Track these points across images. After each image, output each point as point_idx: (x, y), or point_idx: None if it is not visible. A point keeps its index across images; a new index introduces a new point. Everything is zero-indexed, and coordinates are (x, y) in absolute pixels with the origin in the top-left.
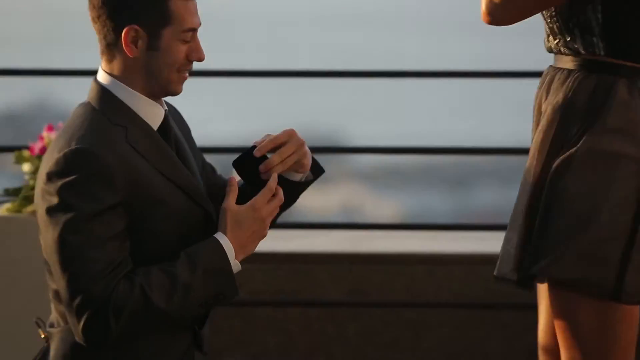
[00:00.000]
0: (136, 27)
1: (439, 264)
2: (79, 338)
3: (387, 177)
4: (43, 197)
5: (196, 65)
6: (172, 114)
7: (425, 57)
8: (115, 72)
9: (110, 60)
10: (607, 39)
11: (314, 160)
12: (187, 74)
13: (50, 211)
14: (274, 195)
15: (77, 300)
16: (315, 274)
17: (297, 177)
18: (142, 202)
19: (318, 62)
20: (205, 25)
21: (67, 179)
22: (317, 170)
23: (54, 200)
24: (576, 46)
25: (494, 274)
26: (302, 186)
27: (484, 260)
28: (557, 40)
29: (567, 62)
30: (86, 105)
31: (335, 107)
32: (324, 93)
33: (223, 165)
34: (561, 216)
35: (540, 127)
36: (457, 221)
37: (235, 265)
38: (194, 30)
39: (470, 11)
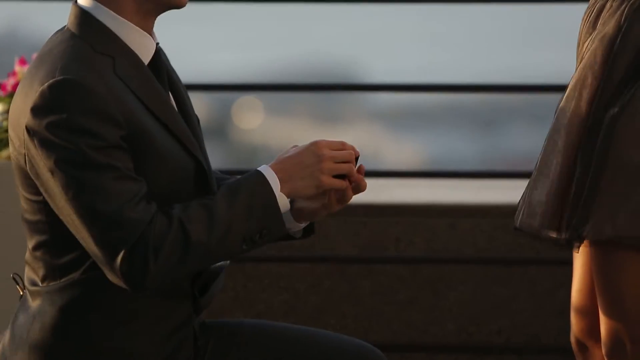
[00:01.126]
0: None
1: (462, 216)
2: (117, 280)
3: (406, 118)
4: (32, 137)
5: None
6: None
7: None
8: None
9: None
10: None
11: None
12: None
13: (47, 152)
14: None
15: (110, 239)
16: (325, 227)
17: (294, 225)
18: (137, 142)
19: None
20: None
21: (58, 116)
22: (308, 229)
23: (47, 138)
24: None
25: (516, 225)
26: (286, 238)
27: (513, 212)
28: None
29: None
30: (64, 32)
31: (348, 36)
32: (334, 19)
33: (222, 104)
34: (615, 169)
35: (584, 62)
36: (484, 168)
37: (282, 199)
38: None
39: None
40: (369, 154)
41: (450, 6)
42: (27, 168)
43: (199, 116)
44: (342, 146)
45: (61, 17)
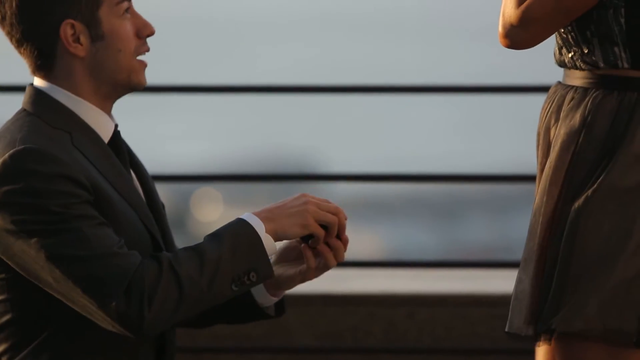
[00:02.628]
0: (70, 21)
1: (421, 305)
2: (114, 325)
3: (366, 208)
4: None
5: (155, 81)
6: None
7: (411, 69)
8: (57, 81)
9: (48, 75)
10: (633, 47)
11: (282, 300)
12: (146, 61)
13: (17, 218)
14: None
15: (101, 284)
16: (284, 317)
17: (267, 300)
18: (101, 209)
19: (285, 76)
20: (164, 36)
21: (24, 183)
22: (280, 308)
23: (15, 205)
24: (594, 59)
25: (506, 330)
26: (259, 314)
27: (471, 302)
28: (572, 53)
29: (581, 78)
30: (19, 112)
31: (307, 126)
32: (294, 110)
33: (181, 196)
34: (581, 262)
35: (551, 158)
36: (443, 257)
37: (267, 240)
38: None
39: (466, 17)
40: None
41: (407, 97)
42: None
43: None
44: (328, 202)
45: (11, 109)
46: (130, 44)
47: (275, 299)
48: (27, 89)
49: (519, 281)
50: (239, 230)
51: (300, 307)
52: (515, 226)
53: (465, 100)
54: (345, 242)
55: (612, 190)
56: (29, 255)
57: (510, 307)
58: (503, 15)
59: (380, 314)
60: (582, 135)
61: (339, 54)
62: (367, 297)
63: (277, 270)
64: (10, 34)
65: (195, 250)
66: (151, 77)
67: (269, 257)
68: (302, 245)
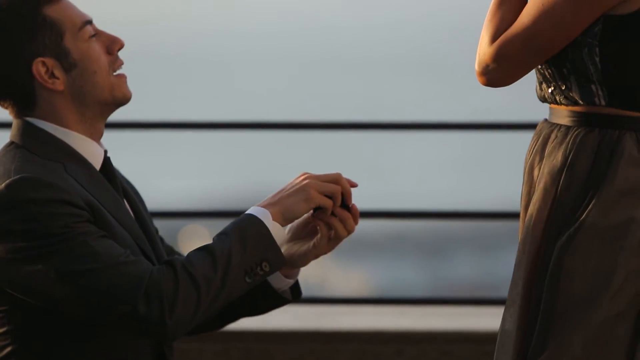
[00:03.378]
0: (40, 59)
1: (409, 342)
2: (141, 326)
3: (353, 245)
4: None
5: (143, 117)
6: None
7: (402, 106)
8: (42, 117)
9: (32, 115)
10: (609, 86)
11: (297, 283)
12: (124, 72)
13: (20, 244)
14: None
15: (119, 291)
16: (271, 355)
17: (283, 283)
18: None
19: (275, 112)
20: (151, 72)
21: (23, 210)
22: (296, 293)
23: (17, 232)
24: (572, 95)
25: None
26: (277, 299)
27: (460, 339)
28: (552, 88)
29: (565, 117)
30: (8, 145)
31: (293, 163)
32: (283, 147)
33: (168, 232)
34: (566, 300)
35: (535, 197)
36: (430, 295)
37: (275, 228)
38: (90, 22)
39: (453, 54)
40: (316, 281)
41: (393, 134)
42: None
43: None
44: (330, 177)
45: None
46: (104, 62)
47: (290, 281)
48: (14, 122)
49: (504, 320)
50: (245, 223)
51: (288, 344)
52: (503, 264)
53: (455, 137)
54: (354, 212)
55: (595, 228)
56: (37, 278)
57: (497, 345)
58: (479, 54)
59: (368, 351)
60: (564, 173)
61: (330, 90)
62: (355, 334)
63: (290, 248)
64: None
65: (206, 250)
66: (139, 113)
67: (280, 245)
68: (312, 215)
